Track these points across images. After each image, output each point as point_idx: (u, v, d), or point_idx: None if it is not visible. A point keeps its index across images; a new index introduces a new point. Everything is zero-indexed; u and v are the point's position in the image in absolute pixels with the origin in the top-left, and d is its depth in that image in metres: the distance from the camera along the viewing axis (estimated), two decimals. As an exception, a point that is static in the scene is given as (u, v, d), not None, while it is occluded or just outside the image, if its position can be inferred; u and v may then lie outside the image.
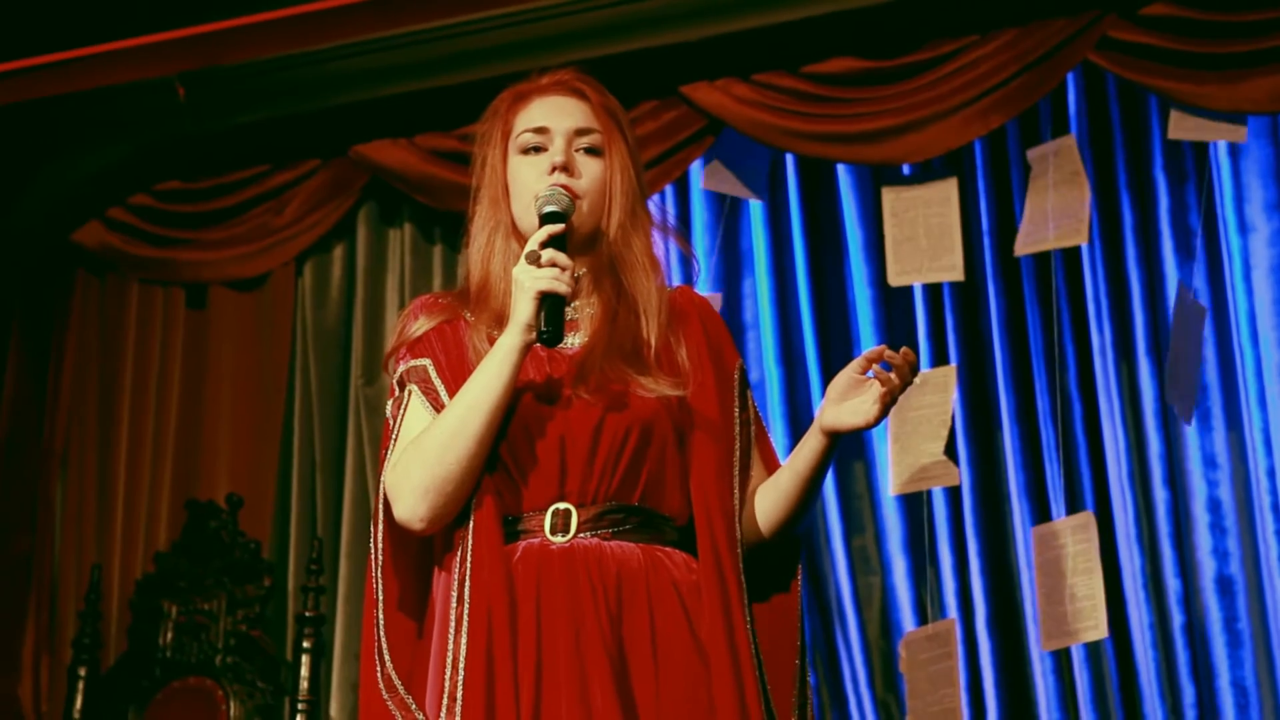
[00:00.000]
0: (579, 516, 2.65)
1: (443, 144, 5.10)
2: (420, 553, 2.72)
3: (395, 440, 2.71)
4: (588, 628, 2.58)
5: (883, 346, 2.70)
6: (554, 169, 2.74)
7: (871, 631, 5.00)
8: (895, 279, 4.73)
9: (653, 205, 2.94)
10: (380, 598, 2.69)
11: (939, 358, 4.95)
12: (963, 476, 4.90)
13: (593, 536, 2.65)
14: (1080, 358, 4.87)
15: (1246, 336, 4.66)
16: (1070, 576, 4.30)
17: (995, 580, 4.87)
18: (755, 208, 5.21)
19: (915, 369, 2.72)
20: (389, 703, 2.63)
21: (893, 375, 2.69)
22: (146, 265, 5.36)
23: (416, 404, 2.70)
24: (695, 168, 5.08)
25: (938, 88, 4.61)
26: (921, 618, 4.83)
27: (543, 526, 2.65)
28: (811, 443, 2.76)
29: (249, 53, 5.13)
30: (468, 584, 2.60)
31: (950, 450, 4.92)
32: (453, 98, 5.05)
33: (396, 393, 2.76)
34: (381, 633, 2.67)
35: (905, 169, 4.88)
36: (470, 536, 2.61)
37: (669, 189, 5.16)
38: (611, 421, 2.68)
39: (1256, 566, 4.64)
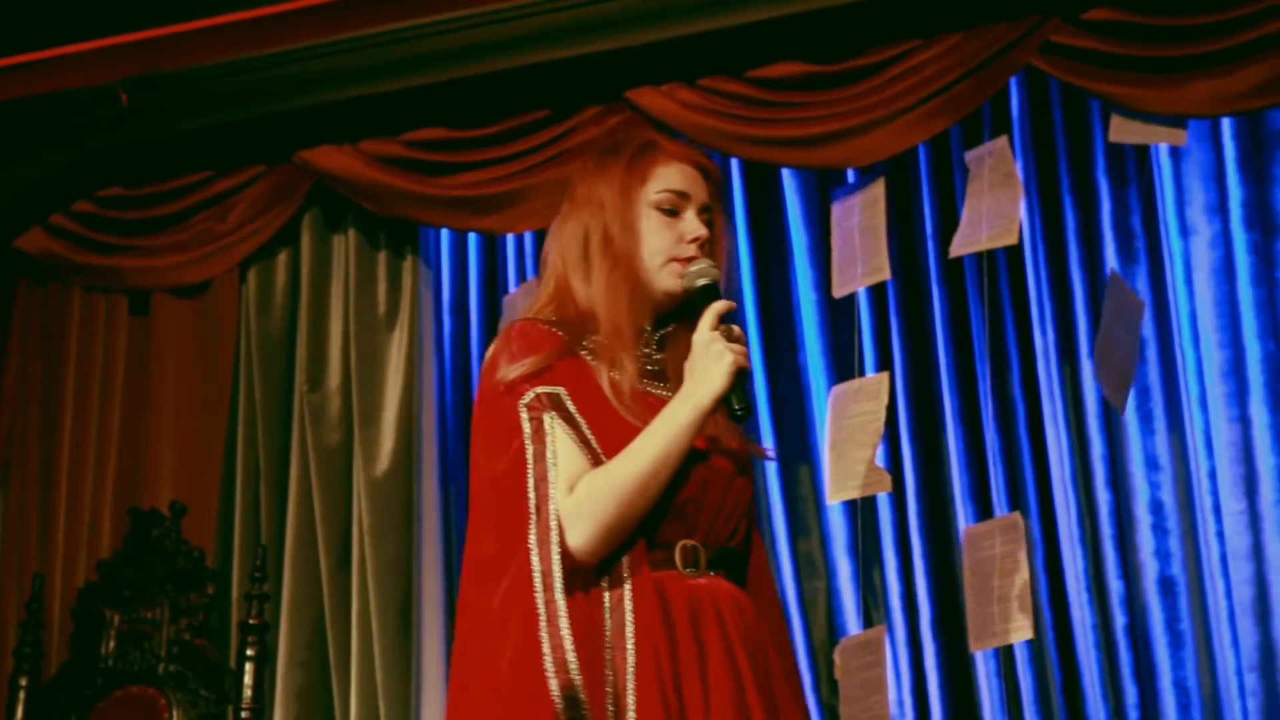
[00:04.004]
0: (705, 554, 2.80)
1: (387, 150, 5.09)
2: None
3: (545, 467, 2.73)
4: (721, 655, 2.74)
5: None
6: (696, 239, 2.87)
7: (817, 635, 5.01)
8: (836, 290, 4.76)
9: None
10: (562, 612, 2.68)
11: (883, 361, 4.97)
12: (907, 479, 4.93)
13: (713, 575, 2.81)
14: (1023, 360, 4.90)
15: (1188, 338, 4.70)
16: (998, 578, 4.32)
17: (939, 583, 4.89)
18: (700, 213, 5.21)
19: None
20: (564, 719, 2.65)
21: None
22: (89, 272, 5.33)
23: (563, 434, 2.75)
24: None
25: (882, 92, 4.63)
26: (866, 621, 4.84)
27: (674, 559, 2.78)
28: None
29: (192, 58, 5.10)
30: (628, 603, 2.70)
31: (894, 453, 4.95)
32: (397, 103, 5.05)
33: (526, 414, 2.77)
34: (570, 646, 2.66)
35: (850, 174, 4.90)
36: (628, 560, 2.72)
37: (614, 194, 5.15)
38: (741, 473, 2.87)
39: (1198, 568, 4.67)
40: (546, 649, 2.65)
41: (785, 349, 5.18)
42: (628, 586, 2.70)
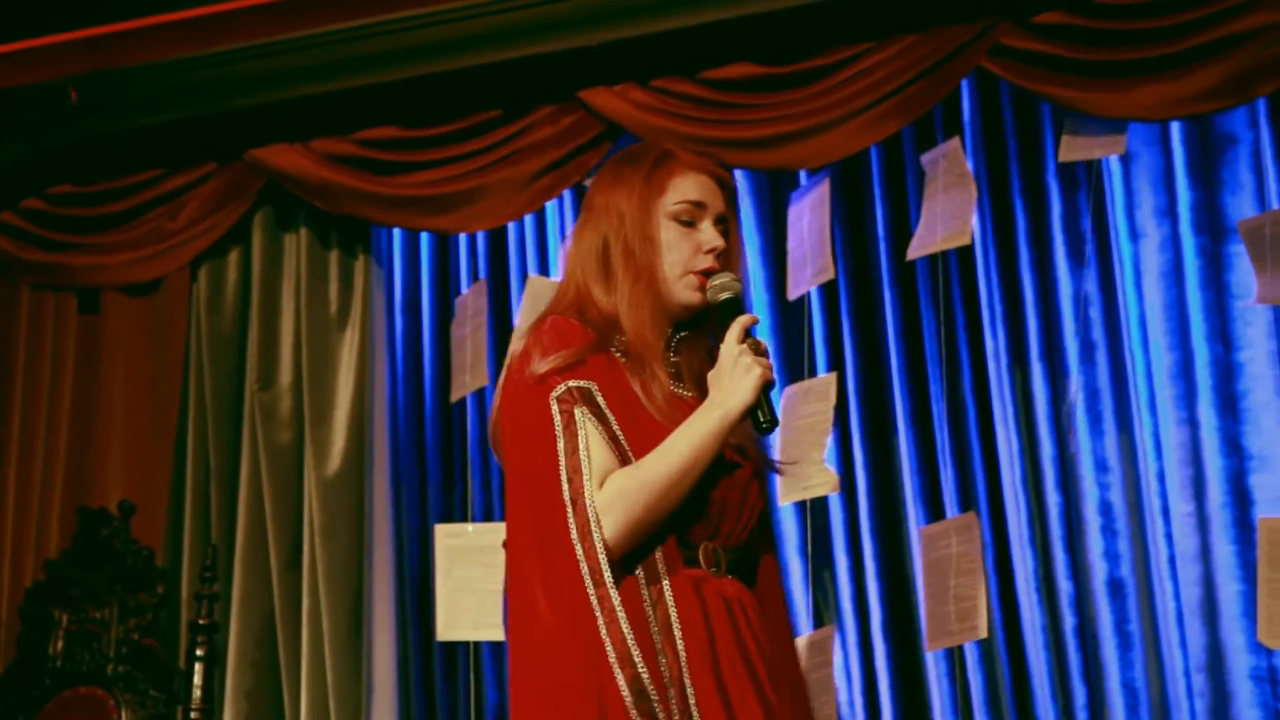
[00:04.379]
0: (726, 556, 2.86)
1: (340, 148, 5.08)
2: None
3: (579, 461, 2.77)
4: (753, 651, 2.82)
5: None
6: (713, 250, 2.92)
7: (768, 636, 5.01)
8: (791, 292, 4.77)
9: None
10: (618, 605, 2.72)
11: (835, 362, 4.98)
12: (858, 480, 4.94)
13: (731, 575, 2.86)
14: (974, 362, 4.92)
15: (1137, 341, 4.72)
16: (954, 577, 4.34)
17: (890, 584, 4.91)
18: (653, 213, 5.22)
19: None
20: (634, 712, 2.66)
21: None
22: (38, 270, 5.30)
23: (593, 430, 2.79)
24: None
25: (835, 94, 4.63)
26: (817, 622, 4.85)
27: (698, 559, 2.83)
28: None
29: (143, 56, 5.09)
30: (669, 597, 2.75)
31: (846, 454, 4.96)
32: (350, 102, 5.04)
33: (556, 407, 2.81)
34: (632, 640, 2.70)
35: (802, 175, 4.91)
36: (662, 557, 2.77)
37: (567, 194, 5.16)
38: (759, 476, 2.97)
39: (1146, 569, 4.69)
40: (609, 644, 2.68)
41: (738, 350, 5.17)
42: (666, 583, 2.75)
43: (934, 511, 4.84)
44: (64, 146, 5.23)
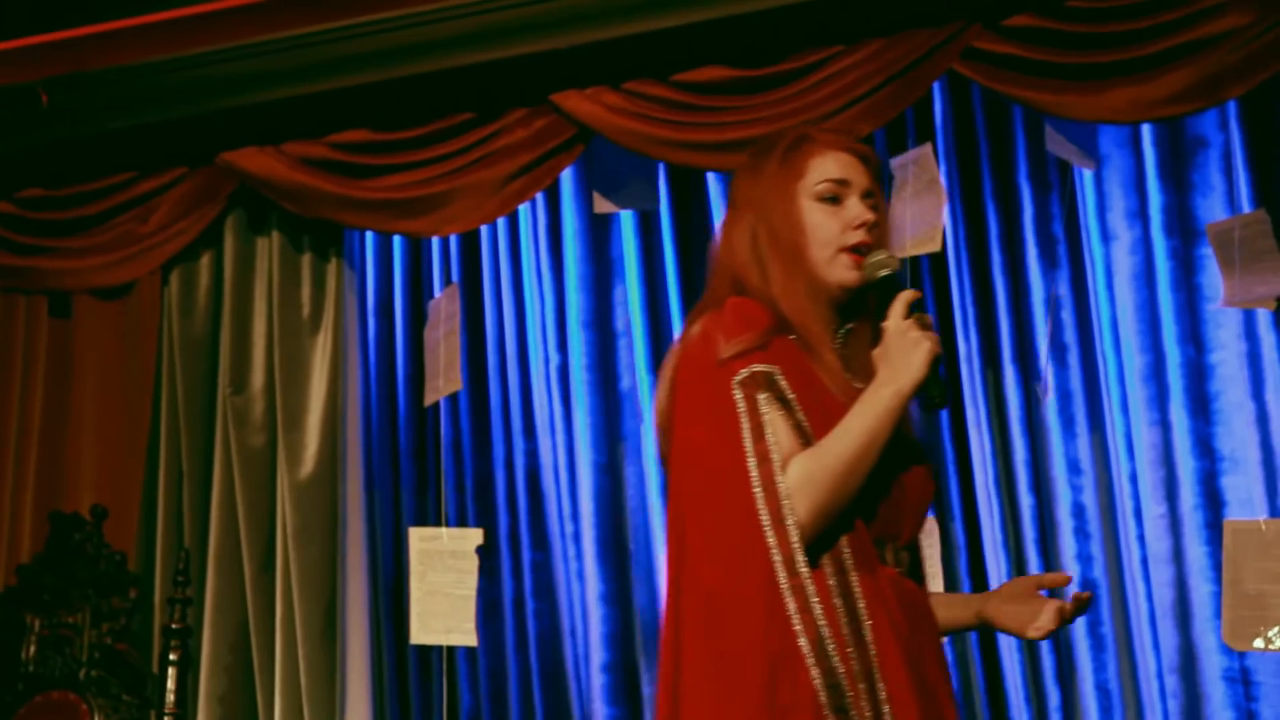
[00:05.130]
0: (903, 555, 2.83)
1: (312, 151, 5.07)
2: None
3: (766, 445, 2.71)
4: (928, 658, 2.78)
5: (1068, 577, 3.05)
6: (863, 225, 2.87)
7: (743, 639, 5.01)
8: None
9: None
10: (813, 595, 2.66)
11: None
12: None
13: (908, 575, 2.83)
14: (947, 365, 4.92)
15: (1109, 343, 4.73)
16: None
17: (865, 586, 4.90)
18: (626, 215, 5.22)
19: (1085, 609, 3.02)
20: (826, 706, 2.61)
21: (1068, 607, 2.99)
22: (9, 273, 5.28)
23: (776, 414, 2.74)
24: (566, 174, 5.09)
25: (806, 97, 4.63)
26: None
27: (882, 556, 2.79)
28: (965, 616, 3.09)
29: (114, 58, 5.08)
30: (857, 588, 2.69)
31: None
32: (322, 105, 5.03)
33: (740, 391, 2.75)
34: (827, 633, 2.65)
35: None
36: (850, 550, 2.71)
37: (540, 197, 5.16)
38: (925, 470, 2.91)
39: (1119, 571, 4.70)
40: (802, 635, 2.63)
41: (711, 352, 5.17)
42: (855, 576, 2.70)
43: (907, 514, 4.84)
44: (34, 150, 5.21)
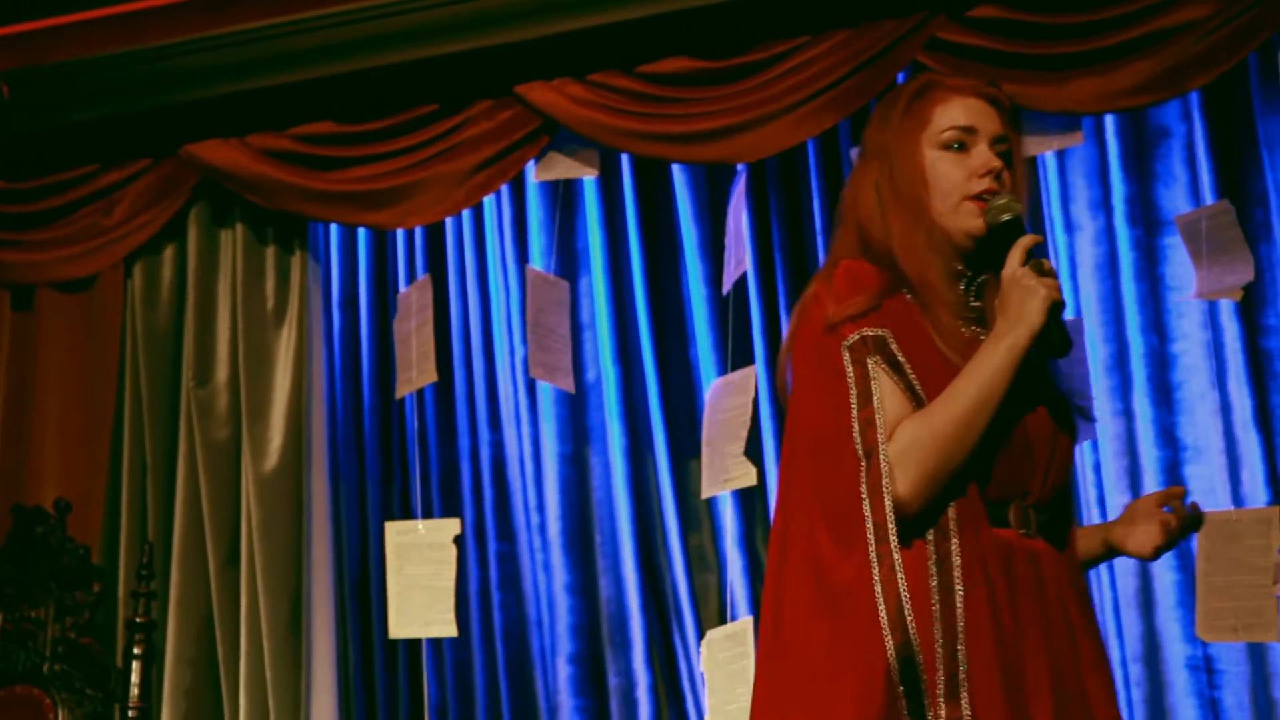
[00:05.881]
0: (1036, 516, 2.75)
1: (276, 144, 5.05)
2: None
3: (871, 412, 2.68)
4: (1053, 628, 2.69)
5: (1182, 489, 2.97)
6: (988, 172, 2.79)
7: (708, 629, 5.01)
8: (725, 286, 4.80)
9: None
10: (898, 566, 2.62)
11: (774, 355, 4.99)
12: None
13: (1042, 537, 2.75)
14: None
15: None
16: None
17: (830, 577, 4.91)
18: (591, 207, 5.23)
19: (1197, 523, 2.97)
20: (896, 678, 2.57)
21: (1173, 520, 2.93)
22: (-29, 267, 5.26)
23: (886, 379, 2.69)
24: (531, 167, 5.09)
25: (771, 88, 4.64)
26: (758, 615, 4.85)
27: (1008, 517, 2.72)
28: (1095, 546, 2.98)
29: (76, 50, 5.06)
30: (955, 559, 2.63)
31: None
32: (286, 97, 5.01)
33: (849, 356, 2.72)
34: (908, 606, 2.60)
35: (739, 168, 4.91)
36: (956, 515, 2.65)
37: (504, 189, 5.16)
38: (1060, 427, 2.81)
39: (1083, 560, 4.72)
40: (881, 605, 2.59)
41: (676, 344, 5.19)
42: (955, 542, 2.64)
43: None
44: (-4, 142, 5.20)
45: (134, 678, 4.77)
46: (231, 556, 5.01)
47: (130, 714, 4.75)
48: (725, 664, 4.45)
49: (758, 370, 4.76)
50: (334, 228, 5.34)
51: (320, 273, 5.24)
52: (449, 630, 4.72)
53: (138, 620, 4.81)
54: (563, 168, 4.91)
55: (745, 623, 4.56)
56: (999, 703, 2.58)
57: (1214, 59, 4.23)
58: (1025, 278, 2.69)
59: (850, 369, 2.70)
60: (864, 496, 2.64)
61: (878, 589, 2.60)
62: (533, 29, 4.77)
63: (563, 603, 5.12)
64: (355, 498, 5.28)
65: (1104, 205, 4.79)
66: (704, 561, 5.09)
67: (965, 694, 2.57)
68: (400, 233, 5.33)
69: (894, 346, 2.72)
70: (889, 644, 2.57)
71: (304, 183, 5.01)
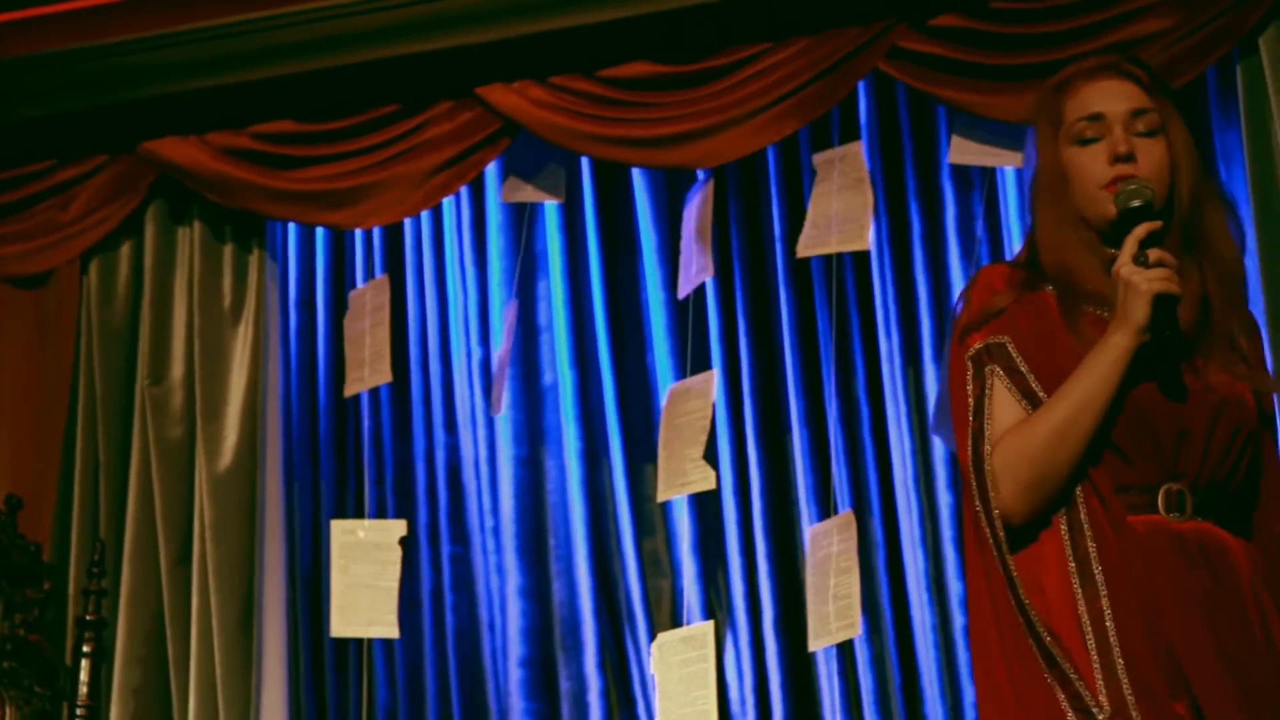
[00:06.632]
0: (1193, 499, 2.70)
1: (235, 142, 5.03)
2: None
3: (982, 423, 2.69)
4: (1207, 611, 2.64)
5: None
6: (1115, 159, 2.76)
7: (661, 634, 5.03)
8: (680, 291, 4.81)
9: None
10: (1015, 575, 2.64)
11: (730, 361, 5.01)
12: (752, 480, 4.97)
13: (1204, 520, 2.70)
14: (868, 363, 4.95)
15: (1028, 342, 4.76)
16: (834, 576, 4.38)
17: (782, 582, 4.93)
18: (550, 211, 5.23)
19: None
20: (1049, 677, 2.58)
21: None
22: (-76, 261, 5.23)
23: (1000, 387, 2.69)
24: (491, 169, 5.09)
25: (733, 93, 4.65)
26: (710, 619, 4.86)
27: (1156, 503, 2.68)
28: None
29: (33, 45, 5.03)
30: (1093, 551, 2.62)
31: (740, 453, 4.99)
32: (245, 95, 5.00)
33: (971, 367, 2.73)
34: (1032, 610, 2.61)
35: (700, 174, 4.92)
36: (1086, 507, 2.65)
37: (464, 190, 5.15)
38: (1227, 409, 2.73)
39: (1036, 569, 4.73)
40: (1020, 613, 2.61)
41: (633, 348, 5.20)
42: (1090, 533, 2.64)
43: (827, 511, 4.86)
44: (-49, 138, 5.17)
45: (83, 676, 4.76)
46: (183, 555, 4.98)
47: (78, 712, 4.73)
48: (680, 667, 4.45)
49: (716, 375, 4.76)
50: (292, 227, 5.32)
51: (278, 272, 5.22)
52: (391, 631, 4.71)
53: (88, 618, 4.80)
54: (529, 192, 4.93)
55: (705, 626, 4.57)
56: (1158, 690, 2.58)
57: (1176, 71, 4.25)
58: (1131, 273, 2.66)
59: (971, 381, 2.73)
60: (978, 510, 2.67)
61: (1013, 599, 2.64)
62: (494, 31, 4.77)
63: (515, 606, 5.11)
64: (309, 498, 5.26)
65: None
66: (658, 566, 5.10)
67: (1126, 682, 2.57)
68: (359, 233, 5.32)
69: (1013, 351, 2.73)
70: (1033, 644, 2.60)
71: (263, 181, 5.00)
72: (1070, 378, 2.67)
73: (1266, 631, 2.68)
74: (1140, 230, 2.68)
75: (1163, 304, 2.65)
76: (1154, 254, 2.67)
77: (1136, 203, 2.71)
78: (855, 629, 4.35)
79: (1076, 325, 2.72)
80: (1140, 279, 2.65)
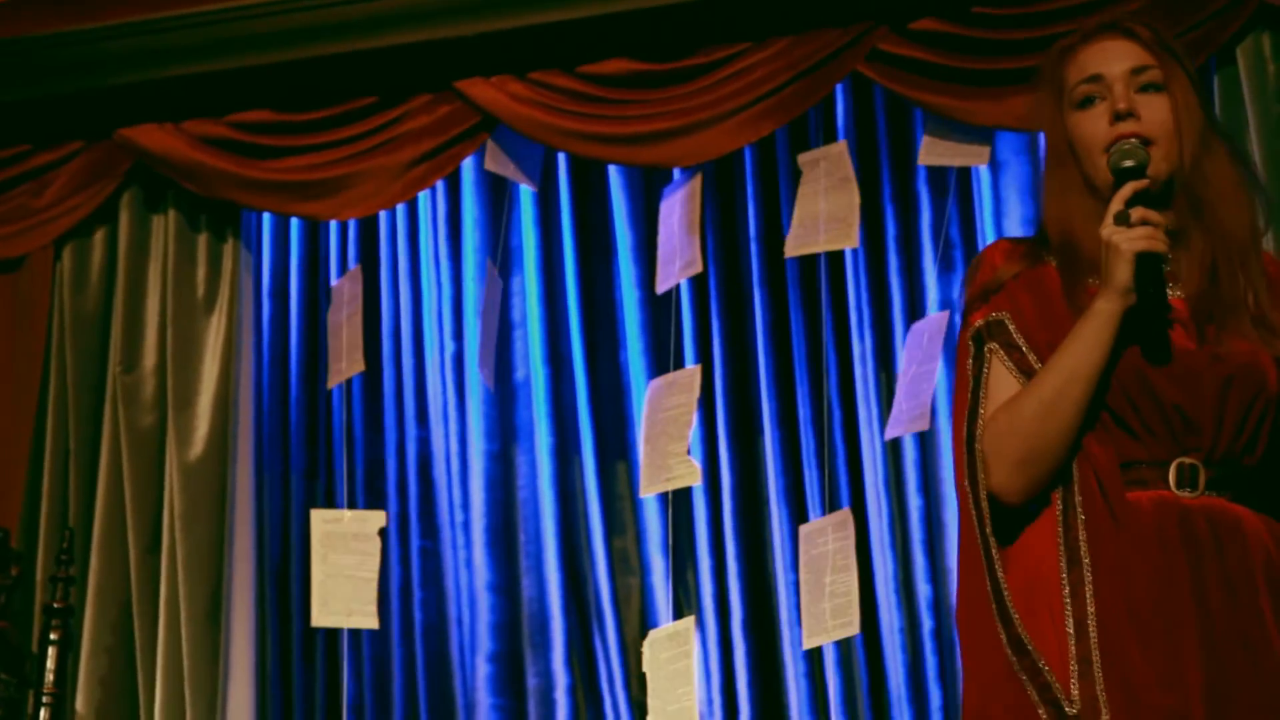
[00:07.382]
0: (1206, 474, 2.60)
1: (212, 130, 5.02)
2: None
3: (977, 403, 2.64)
4: (1209, 590, 2.54)
5: None
6: (1115, 117, 2.67)
7: (629, 633, 5.03)
8: (659, 286, 4.80)
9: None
10: (994, 559, 2.59)
11: (704, 361, 5.00)
12: (723, 480, 4.97)
13: (1218, 496, 2.60)
14: (841, 365, 4.96)
15: (1002, 347, 4.77)
16: (830, 574, 4.38)
17: (752, 583, 4.94)
18: (526, 206, 5.23)
19: None
20: (1015, 665, 2.52)
21: None
22: (-103, 245, 5.20)
23: (998, 365, 2.65)
24: (468, 164, 5.08)
25: (712, 93, 4.65)
26: (679, 619, 4.86)
27: (1166, 479, 2.59)
28: None
29: (10, 30, 5.01)
30: (1083, 537, 2.56)
31: (711, 454, 4.99)
32: (223, 84, 4.99)
33: (972, 347, 2.69)
34: (1006, 596, 2.56)
35: (676, 173, 4.93)
36: (1081, 486, 2.58)
37: (440, 184, 5.14)
38: (1240, 378, 2.62)
39: (1005, 573, 4.74)
40: (992, 599, 2.56)
41: (607, 346, 5.20)
42: (1082, 516, 2.56)
43: (797, 511, 4.88)
44: (-74, 122, 5.15)
45: (49, 663, 4.73)
46: (153, 544, 4.97)
47: (44, 700, 4.70)
48: (667, 664, 4.46)
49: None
50: (267, 217, 5.30)
51: (252, 262, 5.21)
52: (370, 622, 4.70)
53: (55, 605, 4.77)
54: (509, 169, 4.92)
55: (687, 622, 4.57)
56: (1140, 681, 2.50)
57: (1153, 80, 4.26)
58: (1112, 233, 2.57)
59: (971, 360, 2.69)
60: (967, 489, 2.62)
61: (988, 585, 2.58)
62: (474, 25, 4.77)
63: (484, 601, 5.11)
64: (279, 489, 5.25)
65: (1036, 222, 4.80)
66: (627, 564, 5.10)
67: (1099, 672, 2.50)
68: (334, 224, 5.31)
69: (1012, 328, 2.67)
70: (1003, 635, 2.55)
71: (239, 170, 4.99)
72: (1057, 350, 2.59)
73: (1278, 615, 2.59)
74: (1125, 190, 2.60)
75: (1146, 263, 2.56)
76: (1136, 213, 2.57)
77: (1129, 163, 2.62)
78: (854, 627, 4.34)
79: (1077, 298, 2.64)
80: (1121, 238, 2.56)
